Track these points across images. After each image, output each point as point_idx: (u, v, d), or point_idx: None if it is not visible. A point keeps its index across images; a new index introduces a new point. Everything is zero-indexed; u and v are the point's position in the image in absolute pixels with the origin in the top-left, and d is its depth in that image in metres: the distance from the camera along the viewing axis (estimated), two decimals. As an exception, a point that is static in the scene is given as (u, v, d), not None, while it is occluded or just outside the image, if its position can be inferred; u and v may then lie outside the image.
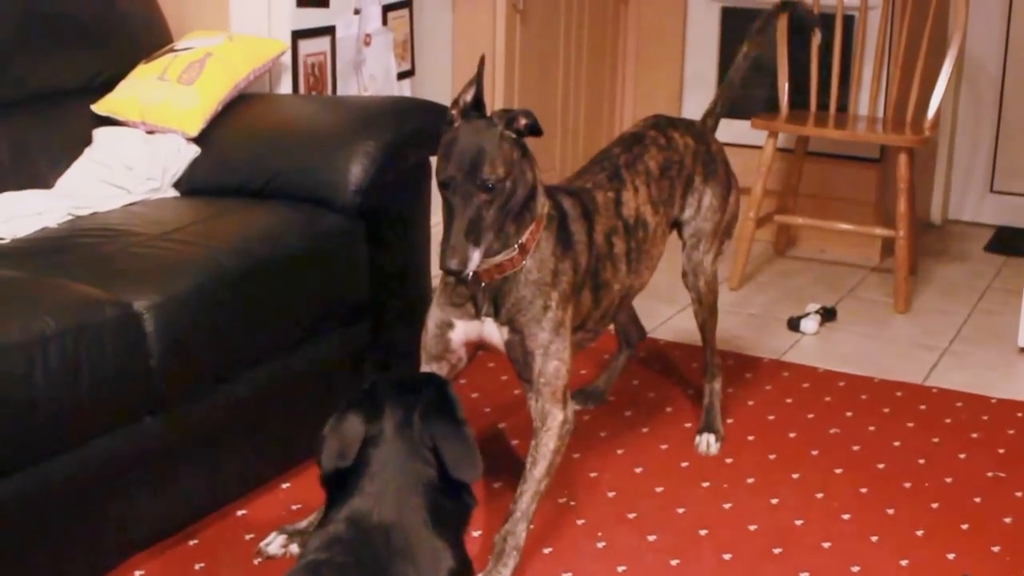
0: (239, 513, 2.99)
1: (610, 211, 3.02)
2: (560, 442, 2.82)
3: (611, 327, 3.63)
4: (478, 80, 2.70)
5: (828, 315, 4.36)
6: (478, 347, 2.90)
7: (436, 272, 2.90)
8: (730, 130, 5.17)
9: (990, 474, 3.29)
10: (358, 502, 2.11)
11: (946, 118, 5.50)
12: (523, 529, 2.77)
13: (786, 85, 4.78)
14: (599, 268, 2.96)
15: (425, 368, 2.90)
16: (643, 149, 3.18)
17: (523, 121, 2.68)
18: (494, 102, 4.64)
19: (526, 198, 2.72)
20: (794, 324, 4.29)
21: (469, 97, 2.70)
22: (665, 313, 4.32)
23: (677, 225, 3.29)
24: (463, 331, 2.85)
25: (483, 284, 2.76)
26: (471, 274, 2.69)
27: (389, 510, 2.11)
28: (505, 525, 2.76)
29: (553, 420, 2.82)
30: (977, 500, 3.15)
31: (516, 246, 2.73)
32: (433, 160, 2.85)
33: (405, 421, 2.18)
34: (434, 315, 2.87)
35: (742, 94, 5.19)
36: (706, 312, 3.39)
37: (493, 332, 2.83)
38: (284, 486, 3.11)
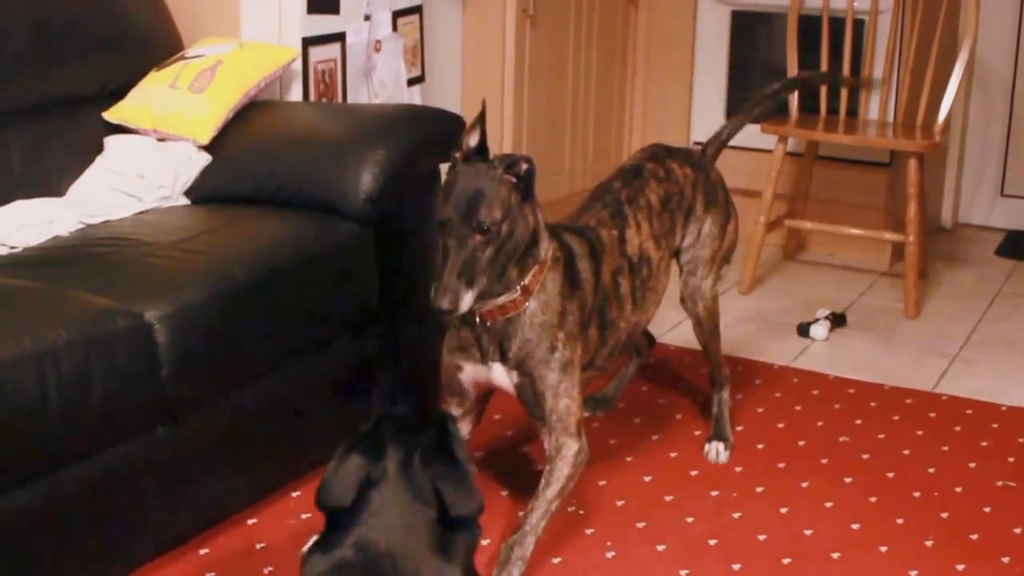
0: (249, 522, 3.00)
1: (615, 250, 3.03)
2: (574, 470, 2.85)
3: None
4: (481, 124, 2.71)
5: (838, 321, 4.36)
6: (489, 388, 2.93)
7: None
8: (740, 133, 5.17)
9: (1000, 483, 3.29)
10: (364, 531, 2.11)
11: (957, 121, 5.50)
12: (531, 542, 2.78)
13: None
14: (605, 307, 2.97)
15: (448, 403, 2.96)
16: (643, 183, 3.18)
17: (524, 166, 2.69)
18: (503, 107, 4.66)
19: (528, 243, 2.73)
20: (804, 330, 4.29)
21: (473, 141, 2.71)
22: (674, 318, 4.30)
23: (676, 253, 3.30)
24: (471, 374, 2.88)
25: (487, 325, 2.78)
26: (478, 318, 2.74)
27: (396, 541, 2.11)
28: (513, 536, 2.77)
29: (568, 449, 2.84)
30: (987, 510, 3.15)
31: (519, 288, 2.75)
32: (443, 167, 2.86)
33: (406, 463, 2.17)
34: (444, 359, 2.91)
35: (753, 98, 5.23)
36: (707, 334, 3.40)
37: (502, 377, 2.85)
38: (294, 495, 3.12)
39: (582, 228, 3.01)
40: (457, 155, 2.71)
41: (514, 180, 2.67)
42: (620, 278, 3.02)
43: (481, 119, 2.71)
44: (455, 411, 2.96)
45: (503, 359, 2.81)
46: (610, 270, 2.99)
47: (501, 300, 2.74)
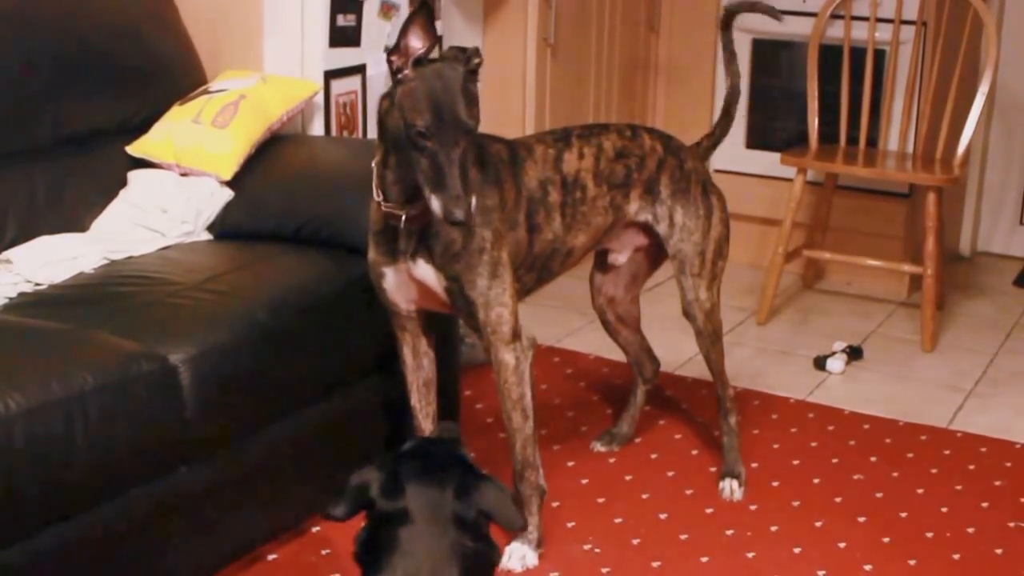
0: (270, 557, 3.04)
1: (548, 164, 3.05)
2: (519, 386, 2.92)
3: (625, 358, 3.69)
4: (431, 26, 2.67)
5: (854, 354, 4.38)
6: (418, 294, 2.93)
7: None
8: (760, 162, 5.24)
9: (1012, 524, 3.31)
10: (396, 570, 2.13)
11: (977, 149, 5.50)
12: (533, 475, 2.93)
13: (815, 121, 4.80)
14: (533, 211, 3.00)
15: (397, 329, 3.02)
16: (603, 131, 3.21)
17: (476, 60, 2.73)
18: (524, 133, 4.67)
19: None
20: (820, 363, 4.32)
21: (418, 44, 2.68)
22: (691, 350, 4.32)
23: (661, 245, 3.29)
24: (394, 279, 2.91)
25: (411, 230, 2.81)
26: (403, 221, 2.78)
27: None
28: (514, 480, 2.93)
29: (505, 368, 2.91)
30: (999, 551, 3.17)
31: None
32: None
33: (435, 501, 2.18)
34: (370, 269, 2.95)
35: (773, 126, 5.26)
36: (708, 343, 3.38)
37: (428, 275, 2.86)
38: (314, 530, 3.16)
39: (506, 139, 3.05)
40: (395, 59, 2.68)
41: (471, 74, 2.71)
42: (550, 187, 3.03)
43: (428, 15, 2.67)
44: (407, 354, 3.05)
45: (430, 257, 2.83)
46: (538, 177, 3.01)
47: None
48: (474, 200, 2.64)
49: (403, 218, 2.79)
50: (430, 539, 2.14)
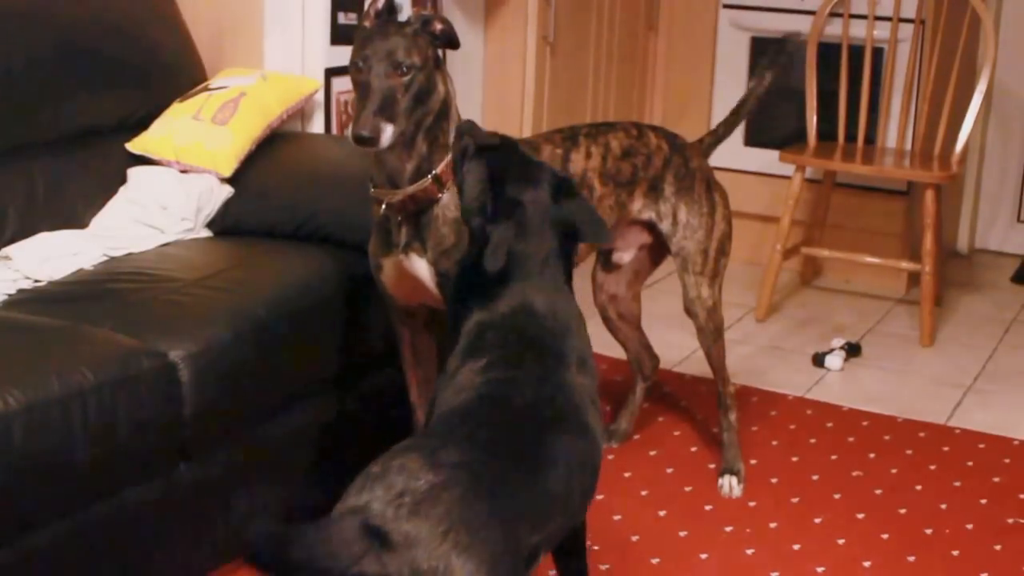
0: (269, 554, 3.04)
1: (556, 164, 3.02)
2: None
3: (624, 355, 3.69)
4: None
5: (853, 351, 4.39)
6: (418, 285, 2.92)
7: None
8: (758, 159, 5.25)
9: (1011, 520, 3.32)
10: (518, 296, 2.37)
11: (974, 147, 5.52)
12: None
13: (814, 118, 4.81)
14: None
15: (398, 324, 3.03)
16: (610, 129, 3.19)
17: (439, 25, 2.71)
18: (523, 132, 4.69)
19: (439, 112, 2.75)
20: (819, 360, 4.32)
21: (380, 4, 2.71)
22: (690, 346, 4.34)
23: (664, 243, 3.30)
24: (391, 272, 2.89)
25: (399, 218, 2.80)
26: (385, 206, 2.77)
27: (546, 297, 2.39)
28: None
29: None
30: (997, 548, 3.18)
31: (430, 176, 2.75)
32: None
33: (539, 212, 2.40)
34: (370, 261, 2.94)
35: (771, 123, 5.27)
36: (709, 340, 3.39)
37: (421, 269, 2.85)
38: (313, 526, 3.16)
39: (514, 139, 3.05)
40: (365, 23, 2.72)
41: (429, 37, 2.70)
42: None
43: None
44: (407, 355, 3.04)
45: (424, 251, 2.82)
46: None
47: (411, 189, 2.75)
48: (391, 127, 2.61)
49: (383, 203, 2.79)
50: (540, 253, 2.41)
